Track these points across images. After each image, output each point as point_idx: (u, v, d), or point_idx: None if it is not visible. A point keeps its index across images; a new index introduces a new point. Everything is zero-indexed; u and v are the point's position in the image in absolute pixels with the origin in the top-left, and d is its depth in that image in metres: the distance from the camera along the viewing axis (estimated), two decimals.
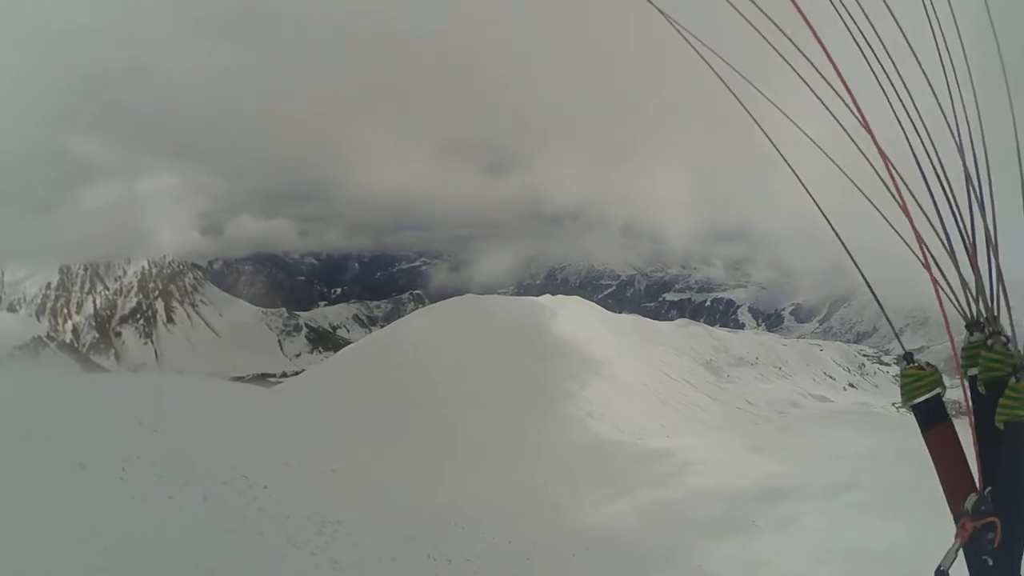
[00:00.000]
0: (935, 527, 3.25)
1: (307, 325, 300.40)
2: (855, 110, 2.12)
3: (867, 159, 2.14)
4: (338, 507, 17.69)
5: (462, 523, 20.35)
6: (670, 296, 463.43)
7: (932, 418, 2.17)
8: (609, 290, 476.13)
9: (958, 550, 1.90)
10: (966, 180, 2.19)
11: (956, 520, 1.97)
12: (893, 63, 2.20)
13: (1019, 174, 2.14)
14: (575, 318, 53.17)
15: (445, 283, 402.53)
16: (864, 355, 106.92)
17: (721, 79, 2.51)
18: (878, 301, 2.50)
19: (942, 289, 2.14)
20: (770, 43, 2.22)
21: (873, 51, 2.20)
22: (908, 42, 2.23)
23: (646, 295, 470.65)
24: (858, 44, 2.20)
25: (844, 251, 2.53)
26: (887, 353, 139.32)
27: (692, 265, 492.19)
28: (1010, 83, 2.37)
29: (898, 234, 2.16)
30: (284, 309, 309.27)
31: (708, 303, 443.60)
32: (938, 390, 2.16)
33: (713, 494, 25.40)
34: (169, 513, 13.19)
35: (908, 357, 2.23)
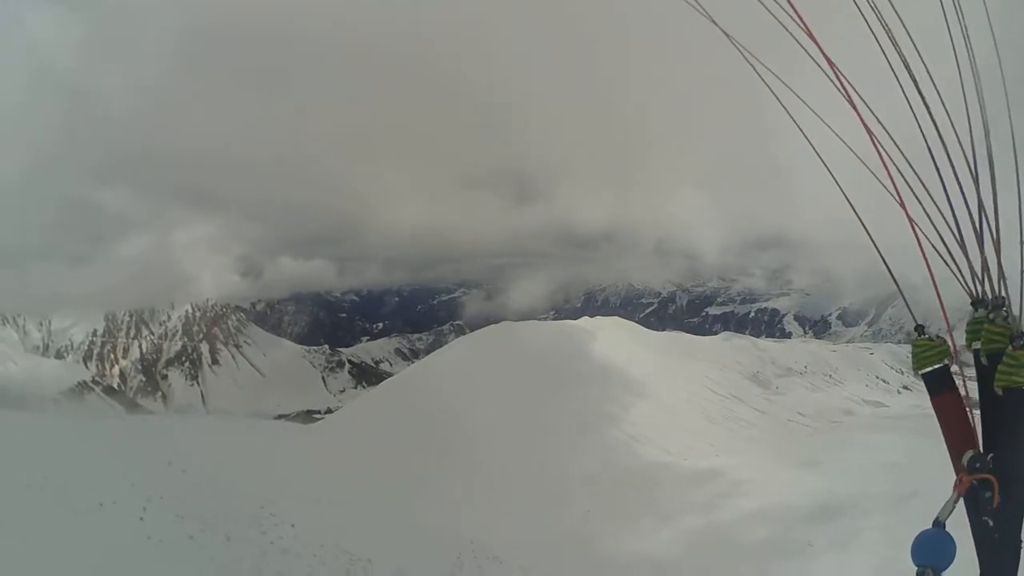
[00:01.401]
0: None
1: (350, 361, 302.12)
2: (856, 93, 2.26)
3: (875, 143, 2.25)
4: (368, 544, 17.14)
5: (500, 558, 19.50)
6: (713, 310, 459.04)
7: (940, 385, 2.33)
8: (651, 308, 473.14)
9: (955, 503, 2.06)
10: (969, 166, 2.28)
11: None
12: (899, 52, 2.30)
13: (1014, 161, 2.30)
14: (614, 339, 52.02)
15: (484, 312, 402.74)
16: None
17: (764, 80, 2.59)
18: (894, 279, 2.62)
19: (949, 268, 2.30)
20: (796, 39, 2.31)
21: (881, 45, 2.31)
22: (910, 36, 2.33)
23: (688, 311, 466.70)
24: (875, 35, 2.31)
25: (873, 246, 2.71)
26: None
27: (731, 277, 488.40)
28: (1006, 69, 2.41)
29: (907, 216, 2.27)
30: (327, 346, 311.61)
31: (752, 314, 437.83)
32: (947, 360, 2.34)
33: (765, 515, 24.09)
34: (188, 554, 12.91)
35: (920, 329, 2.41)
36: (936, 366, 2.35)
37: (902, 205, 2.30)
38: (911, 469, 27.29)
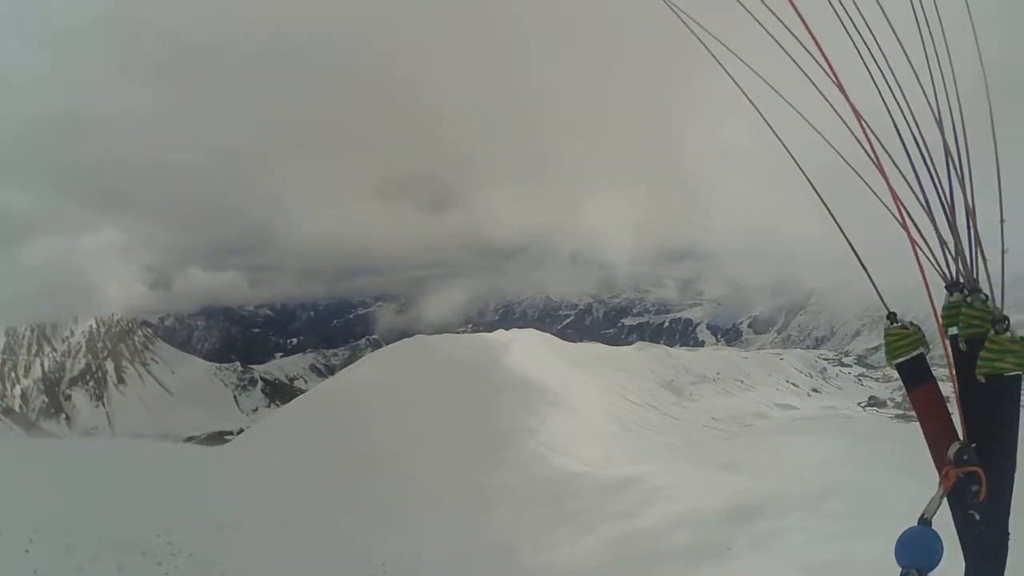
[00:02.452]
0: None
1: (262, 378, 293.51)
2: (833, 77, 2.21)
3: (849, 130, 2.23)
4: (273, 571, 16.28)
5: None
6: (628, 321, 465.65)
7: (916, 377, 2.20)
8: (568, 320, 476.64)
9: (942, 498, 1.92)
10: (944, 150, 2.24)
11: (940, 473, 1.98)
12: (874, 36, 2.29)
13: (993, 146, 2.24)
14: (529, 351, 51.93)
15: (401, 326, 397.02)
16: (825, 359, 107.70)
17: (722, 64, 2.62)
18: (861, 262, 2.45)
19: (922, 252, 2.20)
20: (758, 20, 2.34)
21: (855, 25, 2.28)
22: (888, 19, 2.31)
23: (605, 322, 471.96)
24: (841, 20, 2.28)
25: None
26: (847, 355, 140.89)
27: (644, 288, 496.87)
28: (984, 57, 2.40)
29: (880, 201, 2.21)
30: (238, 363, 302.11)
31: (666, 324, 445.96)
32: (921, 349, 2.21)
33: (685, 519, 24.04)
34: None
35: (892, 317, 2.26)
36: (911, 355, 2.22)
37: (871, 188, 2.23)
38: (825, 469, 27.78)
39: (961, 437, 2.04)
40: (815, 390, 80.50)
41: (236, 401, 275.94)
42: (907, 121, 2.25)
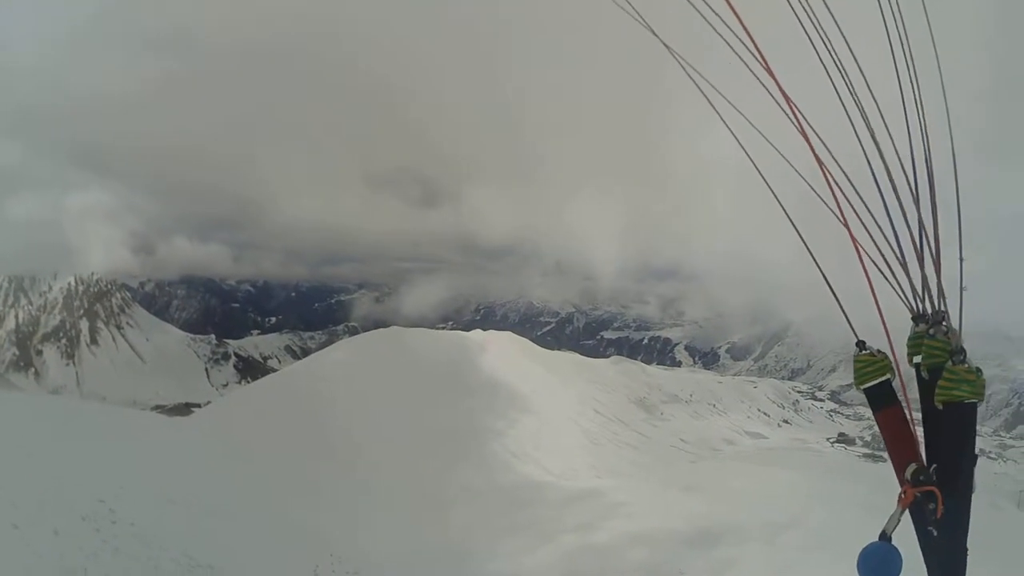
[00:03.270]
0: None
1: (236, 354, 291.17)
2: (799, 112, 2.30)
3: (822, 167, 2.30)
4: (215, 549, 15.86)
5: (360, 572, 18.46)
6: (608, 334, 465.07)
7: (882, 401, 2.34)
8: (548, 327, 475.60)
9: (900, 515, 2.05)
10: (910, 185, 2.35)
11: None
12: (845, 71, 2.39)
13: (955, 185, 2.37)
14: (504, 354, 51.59)
15: (381, 316, 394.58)
16: (799, 391, 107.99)
17: (701, 89, 2.64)
18: (832, 291, 2.52)
19: (891, 285, 2.32)
20: (737, 54, 2.38)
21: (831, 59, 2.38)
22: (853, 53, 2.40)
23: (585, 333, 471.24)
24: (819, 55, 2.38)
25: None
26: (820, 389, 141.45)
27: (626, 303, 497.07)
28: (948, 89, 2.53)
29: (851, 235, 2.30)
30: (214, 336, 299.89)
31: (645, 341, 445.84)
32: (887, 376, 2.34)
33: (643, 538, 23.78)
34: (10, 544, 11.61)
35: (861, 344, 2.38)
36: (878, 381, 2.34)
37: (845, 224, 2.32)
38: (788, 501, 27.58)
39: (923, 458, 2.17)
40: (786, 421, 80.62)
41: (207, 374, 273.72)
42: (876, 156, 2.36)
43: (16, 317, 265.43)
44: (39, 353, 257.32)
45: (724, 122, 2.68)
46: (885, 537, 1.99)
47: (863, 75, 2.39)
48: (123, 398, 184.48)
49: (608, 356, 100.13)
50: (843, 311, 2.52)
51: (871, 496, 30.00)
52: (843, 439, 72.17)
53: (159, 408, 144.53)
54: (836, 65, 2.37)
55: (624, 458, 42.78)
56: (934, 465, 2.14)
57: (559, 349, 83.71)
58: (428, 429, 33.21)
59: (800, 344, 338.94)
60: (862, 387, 2.35)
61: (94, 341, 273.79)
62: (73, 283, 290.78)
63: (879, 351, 2.35)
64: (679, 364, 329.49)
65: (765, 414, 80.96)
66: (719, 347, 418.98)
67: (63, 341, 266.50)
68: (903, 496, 2.09)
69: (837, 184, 2.29)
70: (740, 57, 2.35)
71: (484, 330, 62.75)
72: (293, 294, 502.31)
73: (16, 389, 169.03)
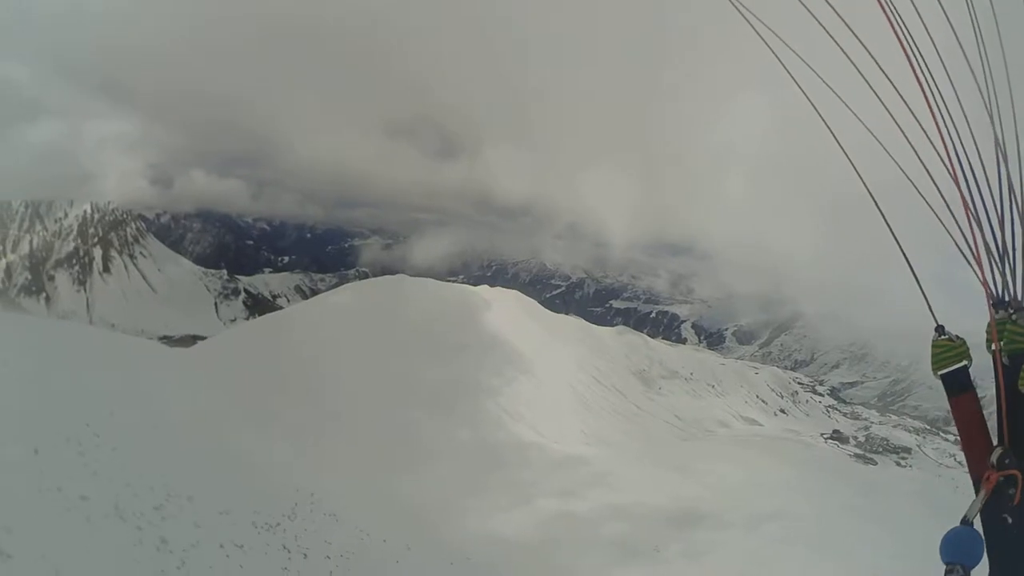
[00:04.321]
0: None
1: (246, 290, 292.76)
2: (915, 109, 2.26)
3: (935, 149, 2.25)
4: (195, 480, 15.68)
5: (337, 515, 18.40)
6: (617, 303, 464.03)
7: (959, 386, 2.30)
8: (559, 291, 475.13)
9: (984, 501, 2.04)
10: (999, 173, 2.31)
11: (976, 481, 2.10)
12: (924, 60, 2.31)
13: None
14: (508, 311, 51.20)
15: (393, 264, 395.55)
16: (799, 383, 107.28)
17: (784, 65, 2.62)
18: (915, 274, 2.47)
19: (973, 271, 2.26)
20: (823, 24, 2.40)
21: (915, 51, 2.31)
22: (936, 44, 2.34)
23: (594, 299, 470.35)
24: (903, 45, 2.30)
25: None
26: (821, 383, 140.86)
27: (637, 274, 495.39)
28: None
29: (940, 221, 2.28)
30: (225, 271, 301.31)
31: (654, 315, 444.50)
32: (965, 362, 2.29)
33: (623, 511, 23.62)
34: None
35: (940, 329, 2.34)
36: (955, 367, 2.32)
37: (932, 208, 2.31)
38: (773, 491, 27.38)
39: (1001, 445, 2.15)
40: (782, 411, 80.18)
41: (216, 308, 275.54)
42: (960, 142, 2.29)
43: (31, 242, 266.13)
44: (51, 279, 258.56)
45: (808, 97, 2.66)
46: (967, 522, 1.98)
47: (944, 67, 2.36)
48: (132, 327, 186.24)
49: (615, 325, 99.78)
50: (923, 293, 2.53)
51: (855, 497, 29.81)
52: (836, 436, 71.71)
53: (166, 339, 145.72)
54: (916, 58, 2.32)
55: (616, 428, 42.61)
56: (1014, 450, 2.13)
57: (567, 313, 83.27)
58: (420, 380, 32.99)
59: (807, 336, 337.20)
60: (940, 372, 2.32)
61: (106, 269, 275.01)
62: (89, 211, 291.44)
63: (958, 336, 2.34)
64: (684, 341, 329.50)
65: (763, 401, 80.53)
66: (726, 329, 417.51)
67: (76, 268, 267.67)
68: (986, 481, 2.08)
69: (928, 169, 2.29)
70: (823, 25, 2.39)
71: (492, 286, 62.49)
72: (308, 235, 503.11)
73: (26, 313, 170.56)
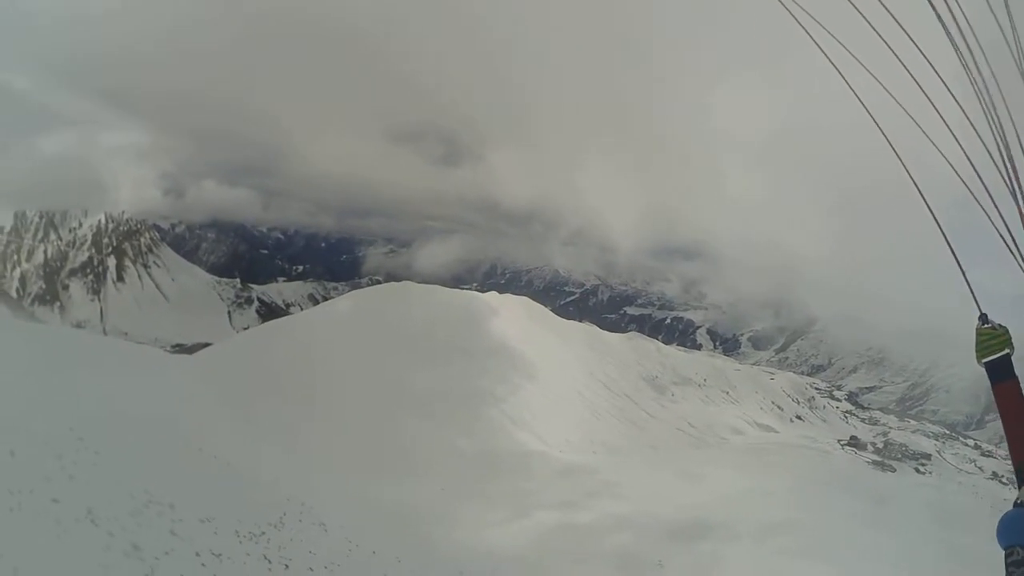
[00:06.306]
0: None
1: (259, 299, 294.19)
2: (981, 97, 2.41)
3: (994, 159, 2.40)
4: (178, 489, 15.14)
5: (327, 525, 17.74)
6: (632, 310, 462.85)
7: (1002, 374, 2.38)
8: (572, 298, 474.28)
9: None
10: None
11: (1020, 466, 2.19)
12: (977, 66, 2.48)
13: None
14: (516, 318, 50.54)
15: (404, 271, 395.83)
16: (816, 388, 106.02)
17: (836, 67, 2.71)
18: (960, 265, 2.55)
19: (1019, 265, 2.31)
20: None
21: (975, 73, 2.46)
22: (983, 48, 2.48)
23: (608, 306, 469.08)
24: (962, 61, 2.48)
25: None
26: (839, 388, 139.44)
27: (648, 279, 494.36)
28: None
29: (996, 213, 2.34)
30: (238, 280, 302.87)
31: (668, 321, 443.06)
32: (1007, 350, 2.39)
33: (628, 522, 22.84)
34: None
35: (983, 317, 2.44)
36: (998, 355, 2.38)
37: (979, 203, 2.36)
38: (785, 501, 26.50)
39: None
40: (799, 417, 78.97)
41: (230, 317, 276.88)
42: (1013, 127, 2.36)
43: (45, 252, 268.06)
44: (65, 288, 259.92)
45: (861, 101, 2.73)
46: (1021, 505, 2.04)
47: (988, 63, 2.41)
48: (145, 336, 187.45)
49: (628, 332, 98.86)
50: (967, 282, 2.55)
51: (869, 508, 28.83)
52: (854, 443, 70.39)
53: (178, 347, 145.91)
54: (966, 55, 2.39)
55: (625, 436, 41.81)
56: None
57: (582, 320, 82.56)
58: (424, 388, 32.35)
59: (823, 341, 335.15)
60: (984, 360, 2.37)
61: (120, 278, 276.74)
62: (103, 220, 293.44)
63: (1000, 325, 2.39)
64: (699, 347, 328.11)
65: (779, 407, 79.36)
66: (741, 334, 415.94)
67: (90, 277, 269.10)
68: None
69: (968, 159, 2.33)
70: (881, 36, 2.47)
71: (506, 294, 61.78)
72: (323, 244, 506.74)
73: (40, 322, 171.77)
